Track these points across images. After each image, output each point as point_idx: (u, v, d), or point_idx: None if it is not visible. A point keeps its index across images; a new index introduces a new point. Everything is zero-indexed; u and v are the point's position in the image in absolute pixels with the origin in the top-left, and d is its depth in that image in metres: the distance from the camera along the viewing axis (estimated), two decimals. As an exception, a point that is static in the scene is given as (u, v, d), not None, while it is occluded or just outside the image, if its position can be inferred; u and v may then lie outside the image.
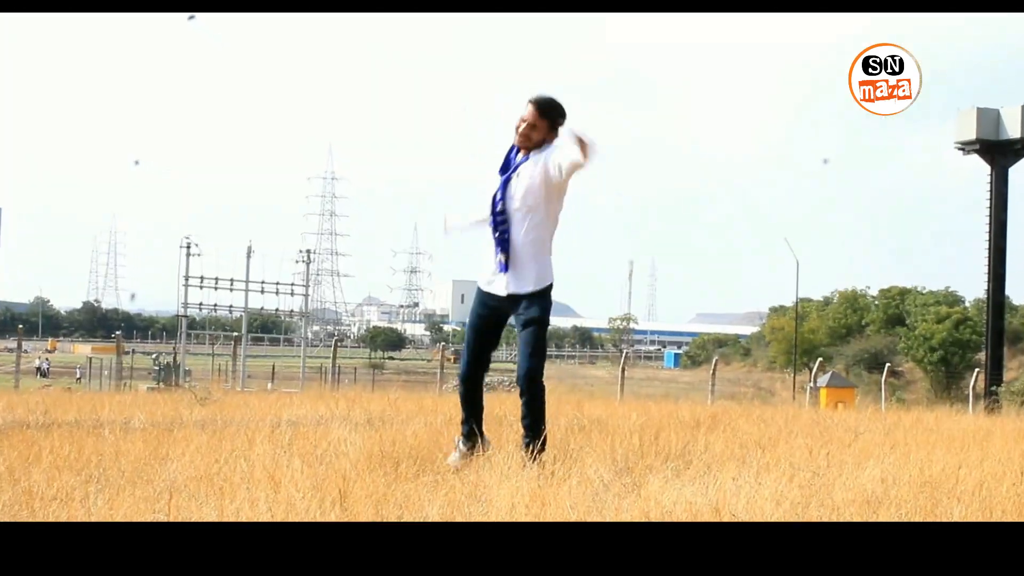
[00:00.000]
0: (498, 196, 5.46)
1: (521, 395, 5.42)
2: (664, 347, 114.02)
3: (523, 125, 5.41)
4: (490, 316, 5.57)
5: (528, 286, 5.44)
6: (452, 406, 10.29)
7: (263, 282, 34.61)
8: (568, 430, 6.57)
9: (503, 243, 5.45)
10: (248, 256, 33.61)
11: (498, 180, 5.51)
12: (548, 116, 5.42)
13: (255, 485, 4.52)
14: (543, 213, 5.44)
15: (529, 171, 5.43)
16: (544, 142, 5.45)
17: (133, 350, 42.15)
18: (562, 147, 5.35)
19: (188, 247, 32.19)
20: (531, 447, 5.29)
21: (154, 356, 33.64)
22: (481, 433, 5.63)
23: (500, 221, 5.45)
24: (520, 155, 5.49)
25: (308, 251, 38.53)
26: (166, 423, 8.26)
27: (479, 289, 5.61)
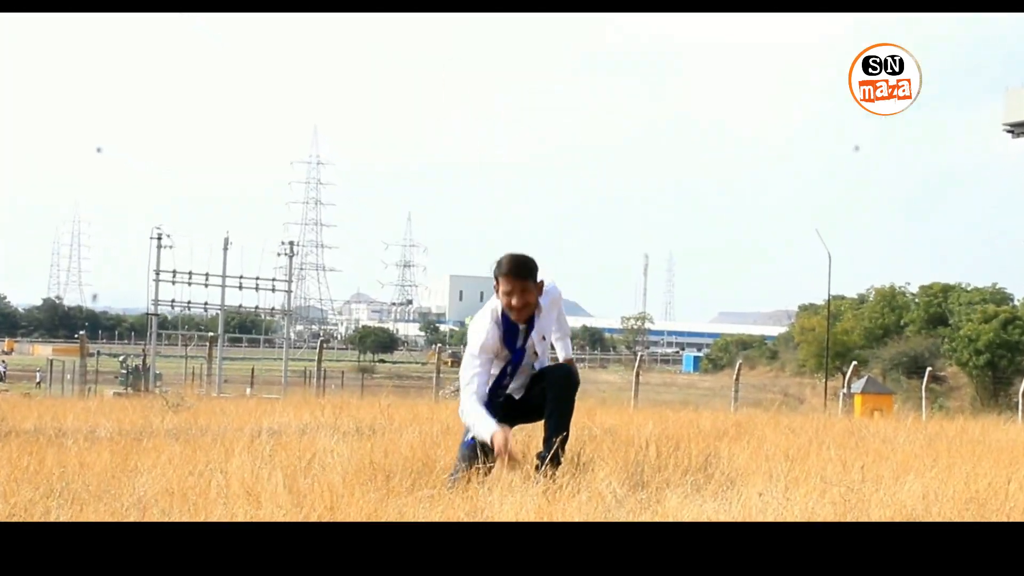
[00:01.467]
0: (508, 371, 5.61)
1: (551, 387, 5.48)
2: (683, 349, 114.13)
3: (515, 299, 5.44)
4: None
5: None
6: (449, 414, 10.30)
7: (241, 277, 34.74)
8: (578, 440, 6.57)
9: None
10: (225, 248, 33.71)
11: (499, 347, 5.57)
12: (531, 276, 5.47)
13: (233, 501, 4.53)
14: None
15: (547, 320, 5.65)
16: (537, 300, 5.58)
17: (98, 352, 42.21)
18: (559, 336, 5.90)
19: (159, 239, 32.29)
20: (551, 449, 5.33)
21: (121, 358, 33.73)
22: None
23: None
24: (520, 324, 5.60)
25: (291, 243, 38.68)
26: (135, 432, 8.27)
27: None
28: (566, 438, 5.44)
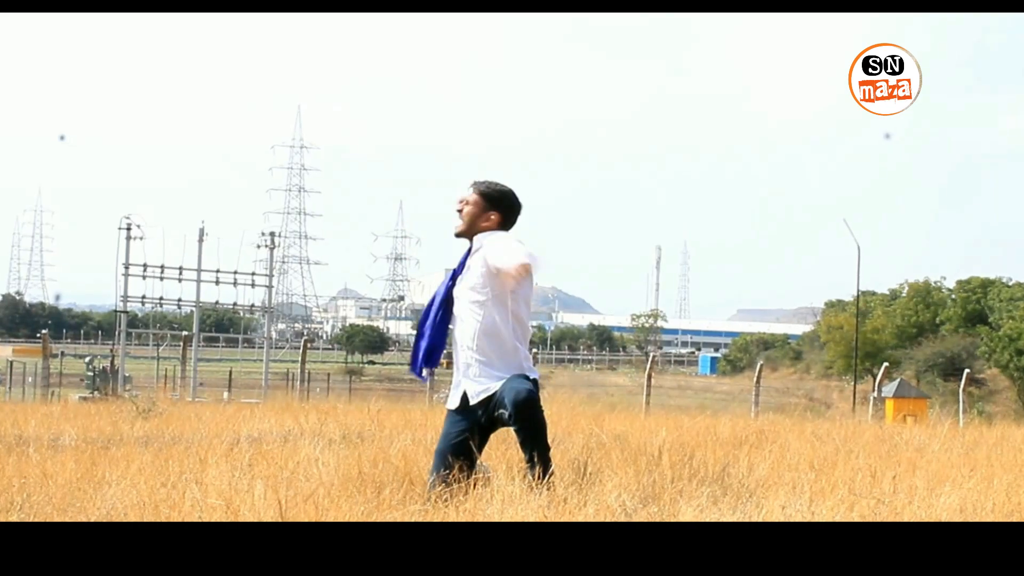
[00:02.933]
0: (440, 292, 5.79)
1: (512, 416, 5.46)
2: (698, 350, 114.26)
3: (462, 206, 5.76)
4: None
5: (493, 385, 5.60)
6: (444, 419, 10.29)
7: (218, 271, 34.73)
8: (584, 448, 6.58)
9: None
10: (200, 240, 33.70)
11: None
12: (481, 193, 5.76)
13: (208, 513, 4.54)
14: (494, 313, 5.63)
15: (474, 264, 5.71)
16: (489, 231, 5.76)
17: (62, 352, 42.28)
18: (495, 249, 5.57)
19: (128, 229, 32.28)
20: (531, 474, 5.32)
21: (88, 359, 33.71)
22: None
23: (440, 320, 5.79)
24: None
25: (272, 234, 38.70)
26: (102, 440, 8.28)
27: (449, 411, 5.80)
28: (547, 463, 5.43)
